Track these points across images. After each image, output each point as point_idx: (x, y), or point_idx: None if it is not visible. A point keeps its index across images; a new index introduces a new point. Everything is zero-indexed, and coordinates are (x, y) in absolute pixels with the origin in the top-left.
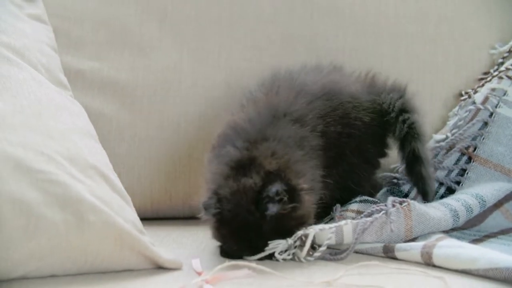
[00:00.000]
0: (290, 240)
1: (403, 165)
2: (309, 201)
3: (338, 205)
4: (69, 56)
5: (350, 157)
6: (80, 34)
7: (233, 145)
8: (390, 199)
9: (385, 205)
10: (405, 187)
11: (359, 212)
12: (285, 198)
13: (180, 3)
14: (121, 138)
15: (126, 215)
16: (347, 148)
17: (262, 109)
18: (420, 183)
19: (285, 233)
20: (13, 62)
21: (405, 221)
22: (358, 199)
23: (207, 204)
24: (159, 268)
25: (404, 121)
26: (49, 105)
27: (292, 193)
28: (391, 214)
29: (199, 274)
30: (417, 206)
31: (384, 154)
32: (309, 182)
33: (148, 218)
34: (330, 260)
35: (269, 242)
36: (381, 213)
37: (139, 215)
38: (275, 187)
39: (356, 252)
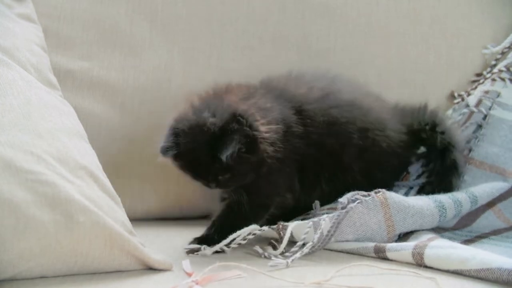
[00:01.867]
0: (265, 228)
1: (435, 174)
2: (266, 151)
3: (317, 202)
4: (58, 55)
5: (356, 173)
6: (70, 34)
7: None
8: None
9: (360, 195)
10: (402, 191)
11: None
12: (242, 149)
13: (171, 3)
14: (111, 138)
15: (116, 216)
16: (355, 163)
17: (275, 92)
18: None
19: (239, 174)
20: (2, 61)
21: (383, 209)
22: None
23: (163, 149)
24: (149, 269)
25: (443, 132)
26: (38, 105)
27: (250, 143)
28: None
29: (189, 275)
30: (393, 194)
31: (391, 183)
32: (273, 128)
33: (138, 218)
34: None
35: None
36: (356, 202)
37: (128, 215)
38: (233, 145)
39: (347, 252)
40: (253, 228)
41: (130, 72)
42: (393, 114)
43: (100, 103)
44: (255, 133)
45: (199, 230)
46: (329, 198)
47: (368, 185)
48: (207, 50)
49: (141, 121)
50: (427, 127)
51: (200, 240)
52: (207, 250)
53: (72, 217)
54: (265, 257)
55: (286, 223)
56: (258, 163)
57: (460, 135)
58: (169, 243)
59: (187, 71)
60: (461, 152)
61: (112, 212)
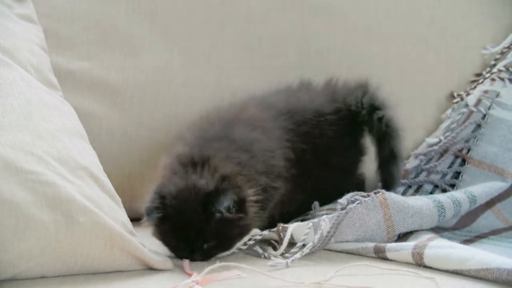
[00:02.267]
0: (265, 232)
1: (376, 161)
2: (253, 213)
3: (316, 203)
4: (59, 56)
5: (318, 172)
6: (70, 34)
7: (185, 143)
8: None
9: (360, 196)
10: (400, 189)
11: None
12: (233, 209)
13: (171, 3)
14: (112, 138)
15: (116, 216)
16: (314, 165)
17: (225, 114)
18: (388, 181)
19: (225, 240)
20: (3, 62)
21: (383, 209)
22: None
23: (149, 209)
24: (150, 269)
25: (379, 119)
26: (39, 106)
27: (241, 204)
28: (367, 203)
29: (190, 275)
30: (392, 195)
31: (361, 155)
32: (258, 191)
33: (138, 218)
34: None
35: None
36: (356, 203)
37: (129, 215)
38: (228, 199)
39: (347, 252)
40: (254, 233)
41: (130, 72)
42: (326, 99)
43: (100, 103)
44: (244, 193)
45: None
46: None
47: (334, 173)
48: (206, 50)
49: (141, 121)
50: (364, 111)
51: None
52: None
53: (73, 217)
54: (265, 257)
55: (286, 225)
56: (246, 226)
57: (399, 122)
58: None
59: (186, 71)
60: (400, 141)
61: (112, 212)
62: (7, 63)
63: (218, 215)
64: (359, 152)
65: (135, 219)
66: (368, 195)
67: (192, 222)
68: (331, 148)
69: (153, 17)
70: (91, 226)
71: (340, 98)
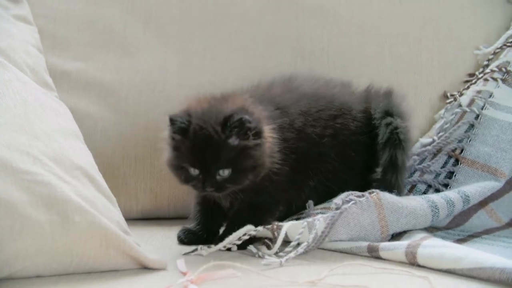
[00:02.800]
0: (260, 228)
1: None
2: (269, 149)
3: (311, 202)
4: (54, 56)
5: (333, 159)
6: (65, 35)
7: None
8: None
9: (355, 196)
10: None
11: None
12: (250, 133)
13: (165, 4)
14: (107, 138)
15: (111, 216)
16: (331, 150)
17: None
18: (388, 190)
19: (238, 170)
20: None
21: (377, 210)
22: (342, 197)
23: (175, 116)
24: (144, 268)
25: (387, 125)
26: (34, 106)
27: (257, 132)
28: (362, 203)
29: (184, 274)
30: (387, 195)
31: (372, 167)
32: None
33: (133, 218)
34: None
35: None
36: (350, 203)
37: (124, 215)
38: (243, 115)
39: (341, 251)
40: (248, 228)
41: (125, 73)
42: (358, 97)
43: (96, 103)
44: (261, 125)
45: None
46: (316, 193)
47: (345, 168)
48: (201, 51)
49: (136, 122)
50: (377, 115)
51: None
52: (203, 250)
53: (68, 217)
54: (259, 256)
55: (280, 223)
56: (260, 160)
57: (411, 133)
58: (164, 242)
59: (181, 72)
60: (403, 152)
61: (107, 212)
62: (2, 64)
63: (235, 140)
64: (373, 156)
65: (129, 219)
66: (363, 195)
67: (210, 143)
68: (349, 142)
69: (148, 18)
70: (87, 226)
71: (369, 100)
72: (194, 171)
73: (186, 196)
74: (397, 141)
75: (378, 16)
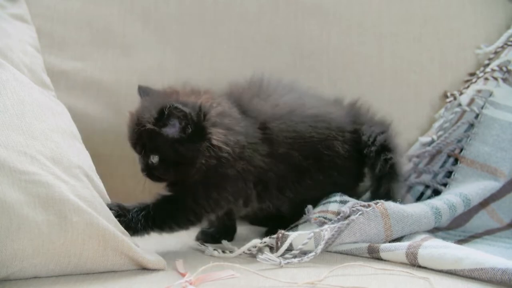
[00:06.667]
0: (266, 239)
1: (370, 197)
2: (213, 151)
3: (310, 207)
4: (52, 56)
5: (315, 174)
6: (63, 34)
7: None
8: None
9: (361, 206)
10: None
11: (339, 214)
12: (189, 129)
13: (164, 3)
14: (105, 138)
15: (109, 216)
16: (312, 168)
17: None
18: None
19: (164, 159)
20: None
21: (383, 219)
22: (338, 199)
23: (140, 88)
24: (143, 269)
25: (386, 161)
26: (32, 106)
27: (199, 130)
28: (369, 213)
29: (183, 275)
30: (392, 204)
31: (354, 184)
32: (232, 135)
33: None
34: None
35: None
36: (358, 214)
37: None
38: (175, 106)
39: (341, 252)
40: (256, 242)
41: (123, 72)
42: (348, 115)
43: (94, 103)
44: (206, 123)
45: (192, 230)
46: (296, 200)
47: (328, 184)
48: (199, 51)
49: None
50: (373, 148)
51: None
52: (208, 250)
53: (66, 217)
54: (259, 257)
55: (287, 233)
56: (187, 162)
57: (402, 169)
58: (163, 243)
59: (180, 71)
60: (399, 186)
61: (105, 212)
62: (0, 63)
63: (170, 130)
64: (356, 177)
65: None
66: (369, 205)
67: (148, 130)
68: (334, 163)
69: (146, 18)
70: (85, 226)
71: (360, 122)
72: (136, 155)
73: None
74: (394, 175)
75: (378, 15)
